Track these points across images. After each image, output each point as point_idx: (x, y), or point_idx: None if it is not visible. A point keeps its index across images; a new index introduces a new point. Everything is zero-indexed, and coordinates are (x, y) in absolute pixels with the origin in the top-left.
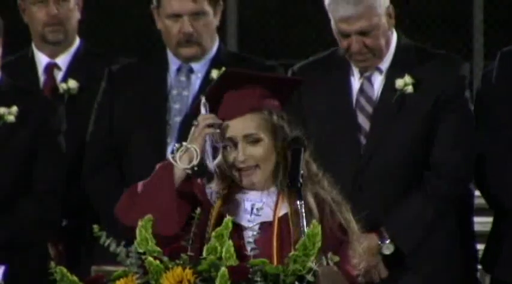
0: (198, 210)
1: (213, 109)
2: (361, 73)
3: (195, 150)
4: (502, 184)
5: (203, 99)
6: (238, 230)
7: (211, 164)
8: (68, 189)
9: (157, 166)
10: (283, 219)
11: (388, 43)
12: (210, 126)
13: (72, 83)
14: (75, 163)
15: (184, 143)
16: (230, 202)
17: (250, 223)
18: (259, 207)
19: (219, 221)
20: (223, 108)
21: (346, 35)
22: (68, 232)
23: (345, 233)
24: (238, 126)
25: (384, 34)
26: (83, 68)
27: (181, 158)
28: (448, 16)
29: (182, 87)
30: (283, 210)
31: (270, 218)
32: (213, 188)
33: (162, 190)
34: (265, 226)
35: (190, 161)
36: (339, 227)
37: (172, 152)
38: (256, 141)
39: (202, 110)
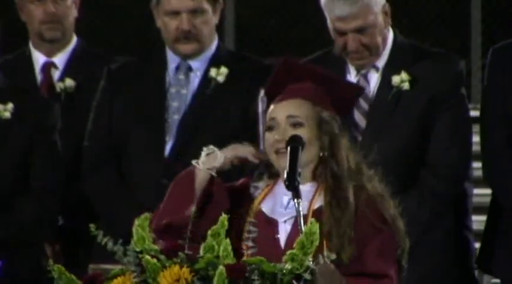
0: (194, 208)
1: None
2: (357, 70)
3: (220, 155)
4: (499, 183)
5: (261, 93)
6: (272, 224)
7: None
8: (66, 189)
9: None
10: (318, 212)
11: (384, 41)
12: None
13: (69, 82)
14: (73, 163)
15: (211, 146)
16: (269, 198)
17: (285, 216)
18: (296, 201)
19: (256, 216)
20: (279, 96)
21: (342, 33)
22: (64, 232)
23: (386, 224)
24: (284, 108)
25: (381, 32)
26: (80, 67)
27: (205, 160)
28: (446, 15)
29: (181, 85)
30: (318, 202)
31: (305, 211)
32: (259, 185)
33: (182, 187)
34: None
35: (213, 163)
36: (380, 217)
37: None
38: (297, 124)
39: (259, 105)
